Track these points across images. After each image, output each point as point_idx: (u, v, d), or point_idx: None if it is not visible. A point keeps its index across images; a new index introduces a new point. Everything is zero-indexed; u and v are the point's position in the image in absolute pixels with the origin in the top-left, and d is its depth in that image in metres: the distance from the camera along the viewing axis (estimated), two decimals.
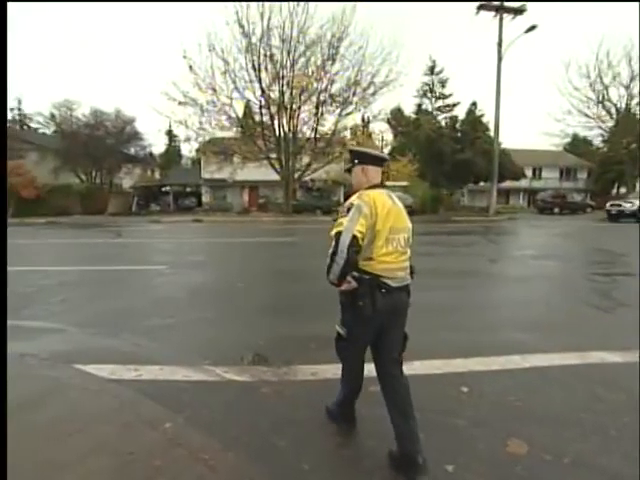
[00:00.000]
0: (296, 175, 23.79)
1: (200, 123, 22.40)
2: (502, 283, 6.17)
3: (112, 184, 34.87)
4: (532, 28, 19.79)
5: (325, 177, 27.13)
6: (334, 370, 3.22)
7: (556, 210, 25.69)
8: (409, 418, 2.20)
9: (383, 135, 26.85)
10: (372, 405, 2.63)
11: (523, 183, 33.75)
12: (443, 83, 45.79)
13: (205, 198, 33.08)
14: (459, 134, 25.43)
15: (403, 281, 2.24)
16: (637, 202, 18.99)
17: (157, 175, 51.00)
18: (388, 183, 21.49)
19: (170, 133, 54.58)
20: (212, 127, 22.68)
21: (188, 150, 45.65)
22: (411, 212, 16.29)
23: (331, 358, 3.25)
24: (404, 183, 31.76)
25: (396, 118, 41.61)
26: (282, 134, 22.95)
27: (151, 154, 46.88)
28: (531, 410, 2.75)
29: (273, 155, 23.40)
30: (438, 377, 3.17)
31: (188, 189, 39.35)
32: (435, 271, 7.05)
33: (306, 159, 24.14)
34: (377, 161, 2.28)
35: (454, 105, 45.27)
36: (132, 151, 35.09)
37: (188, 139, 23.32)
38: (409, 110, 47.02)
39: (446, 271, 7.10)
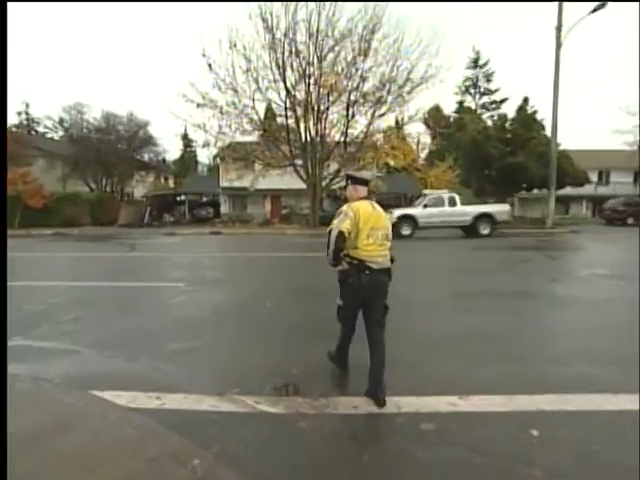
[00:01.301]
0: (323, 183, 24.02)
1: (219, 127, 23.01)
2: (568, 306, 5.92)
3: (123, 193, 36.17)
4: (601, 7, 18.87)
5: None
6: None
7: (630, 221, 24.04)
8: (381, 367, 3.43)
9: (420, 138, 26.81)
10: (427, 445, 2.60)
11: (587, 189, 32.15)
12: (489, 77, 45.12)
13: (224, 208, 33.79)
14: (508, 135, 24.99)
15: (382, 265, 3.55)
16: None
17: (171, 183, 52.47)
18: (427, 191, 21.19)
19: (186, 138, 56.19)
20: (232, 131, 23.27)
21: (205, 156, 46.95)
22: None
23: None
24: (443, 192, 31.44)
25: (435, 118, 41.46)
26: (308, 138, 23.30)
27: (165, 161, 48.44)
28: (622, 464, 2.58)
29: (298, 161, 23.72)
30: (501, 416, 3.06)
31: (205, 198, 40.24)
32: (486, 291, 6.88)
33: (335, 165, 24.36)
34: (364, 182, 3.68)
35: (502, 101, 44.54)
36: (145, 157, 36.38)
37: (206, 144, 23.92)
38: (450, 109, 46.73)
39: (499, 291, 6.91)
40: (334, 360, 3.92)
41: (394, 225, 18.66)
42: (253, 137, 24.83)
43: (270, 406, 3.27)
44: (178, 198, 38.31)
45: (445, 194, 19.07)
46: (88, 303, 6.51)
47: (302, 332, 4.94)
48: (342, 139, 23.60)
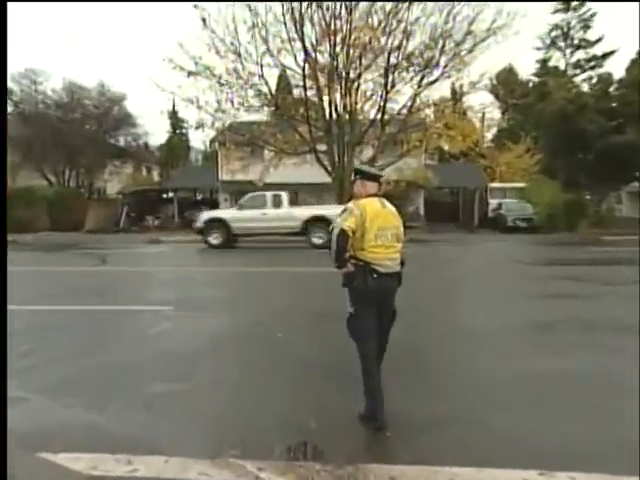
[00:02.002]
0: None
1: (217, 102, 23.16)
2: None
3: (92, 188, 36.97)
4: None
5: (396, 177, 27.17)
6: (422, 474, 3.13)
7: None
8: (377, 378, 3.97)
9: (485, 112, 26.27)
10: None
11: None
12: (586, 23, 42.59)
13: (223, 208, 34.13)
14: (614, 103, 23.99)
15: (391, 268, 4.06)
16: None
17: (155, 176, 53.20)
18: (495, 185, 20.89)
19: (175, 116, 56.83)
20: (234, 107, 23.40)
21: (200, 141, 47.43)
22: (532, 229, 15.90)
23: (417, 455, 3.33)
24: (519, 184, 31.07)
25: (506, 85, 40.81)
26: (334, 115, 23.35)
27: (147, 146, 49.24)
28: None
29: (321, 147, 23.82)
30: None
31: (199, 196, 40.71)
32: (578, 323, 6.78)
33: (369, 151, 24.35)
34: (374, 178, 4.27)
35: (605, 57, 41.75)
36: (121, 142, 37.17)
37: (200, 125, 24.16)
38: (527, 71, 45.68)
39: (597, 323, 6.78)
40: (369, 417, 3.92)
41: (201, 231, 19.28)
42: (261, 115, 25.07)
43: (278, 475, 3.23)
44: (165, 195, 38.92)
45: (269, 192, 19.51)
46: (43, 333, 6.63)
47: (323, 372, 4.94)
48: (379, 116, 23.59)
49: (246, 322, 7.18)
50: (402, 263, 4.23)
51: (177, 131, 59.02)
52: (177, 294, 9.41)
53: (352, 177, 4.37)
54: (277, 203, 19.22)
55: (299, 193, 32.37)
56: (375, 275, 4.01)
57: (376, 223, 4.03)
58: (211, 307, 8.19)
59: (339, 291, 4.18)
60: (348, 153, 23.42)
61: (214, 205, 34.93)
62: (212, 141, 34.07)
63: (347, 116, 23.30)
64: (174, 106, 54.24)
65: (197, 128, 24.53)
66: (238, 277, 12.02)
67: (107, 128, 34.61)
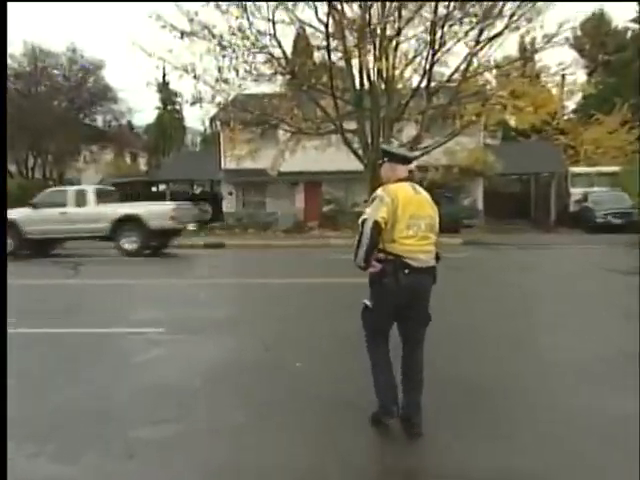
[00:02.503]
0: None
1: (218, 70, 23.40)
2: None
3: (63, 179, 37.30)
4: None
5: (447, 162, 26.96)
6: None
7: None
8: (419, 392, 4.52)
9: (565, 74, 25.50)
10: None
11: None
12: None
13: (228, 205, 34.80)
14: None
15: (425, 263, 4.44)
16: None
17: (142, 164, 53.56)
18: (579, 169, 20.37)
19: (165, 89, 57.40)
20: (240, 77, 23.65)
21: (198, 119, 47.12)
22: (631, 227, 15.46)
23: None
24: (611, 168, 30.11)
25: (595, 36, 39.58)
26: (366, 84, 23.41)
27: (132, 127, 49.56)
28: None
29: (350, 124, 23.86)
30: None
31: (197, 189, 40.95)
32: None
33: (411, 129, 24.32)
34: (404, 160, 4.70)
35: None
36: (99, 121, 37.75)
37: (197, 100, 24.39)
38: (623, 18, 44.28)
39: None
40: (382, 415, 4.58)
41: None
42: (274, 86, 25.20)
43: None
44: (154, 188, 39.20)
45: (72, 188, 19.75)
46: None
47: (352, 412, 4.94)
48: (424, 84, 23.42)
49: (269, 350, 7.14)
50: (437, 257, 4.61)
51: (169, 107, 59.24)
52: (168, 313, 9.57)
53: (381, 159, 4.79)
54: (81, 200, 18.98)
55: (322, 184, 32.53)
56: (407, 270, 4.35)
57: (408, 211, 4.37)
58: (210, 330, 8.27)
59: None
60: (384, 132, 23.44)
61: (215, 200, 35.22)
62: (212, 120, 34.25)
63: (383, 85, 23.33)
64: (164, 76, 54.09)
65: (193, 104, 24.76)
66: (253, 292, 11.99)
67: (81, 104, 35.27)
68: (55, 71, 34.13)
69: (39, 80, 33.38)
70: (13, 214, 18.74)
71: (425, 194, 4.63)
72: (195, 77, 23.35)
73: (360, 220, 4.44)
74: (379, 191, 4.50)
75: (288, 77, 24.14)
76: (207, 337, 7.87)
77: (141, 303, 10.93)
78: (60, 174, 37.02)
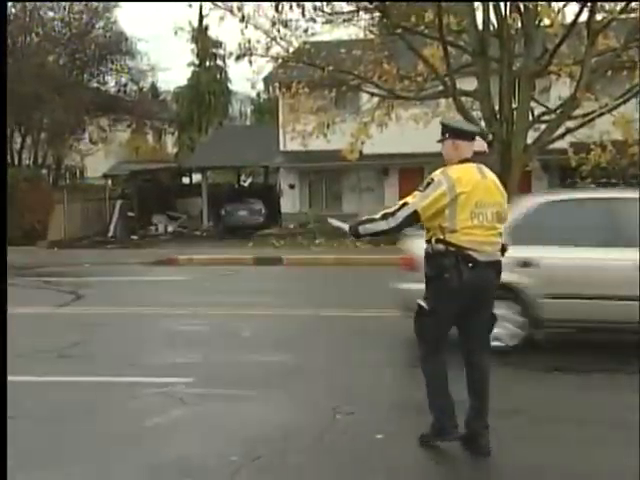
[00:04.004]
0: (532, 135, 23.71)
1: (276, 7, 23.61)
2: None
3: (61, 167, 38.16)
4: None
5: (619, 136, 26.08)
6: None
7: None
8: (481, 399, 5.42)
9: None
10: None
11: None
12: None
13: (288, 202, 35.13)
14: None
15: (492, 256, 5.25)
16: None
17: (171, 145, 53.94)
18: None
19: (203, 37, 56.99)
20: (306, 16, 23.82)
21: (246, 80, 46.88)
22: None
23: None
24: None
25: None
26: (493, 22, 23.19)
27: (157, 92, 49.71)
28: None
29: (467, 83, 23.79)
30: None
31: (246, 180, 41.22)
32: None
33: (563, 88, 24.05)
34: (468, 136, 5.44)
35: None
36: (110, 84, 38.26)
37: (247, 52, 24.52)
38: None
39: None
40: (436, 436, 5.61)
41: None
42: (356, 29, 25.14)
43: None
44: (186, 179, 39.73)
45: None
46: None
47: None
48: (584, 16, 22.54)
49: (345, 416, 7.07)
50: (503, 249, 5.45)
51: (207, 64, 59.57)
52: (199, 357, 9.56)
53: (441, 135, 5.52)
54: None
55: (424, 170, 31.91)
56: (471, 265, 5.11)
57: (473, 198, 5.13)
58: (257, 384, 8.17)
59: None
60: (520, 93, 23.16)
61: (270, 197, 35.28)
62: (267, 81, 34.27)
63: (519, 21, 22.87)
64: (201, 18, 54.49)
65: (240, 58, 24.85)
66: (323, 329, 12.00)
67: (86, 60, 35.61)
68: (50, 13, 34.31)
69: (28, 26, 33.36)
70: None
71: (493, 177, 5.45)
72: (243, 19, 23.50)
73: (401, 202, 5.33)
74: (437, 173, 5.26)
75: (376, 16, 23.96)
76: (252, 393, 7.78)
77: (159, 341, 11.03)
78: (57, 159, 37.49)
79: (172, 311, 13.45)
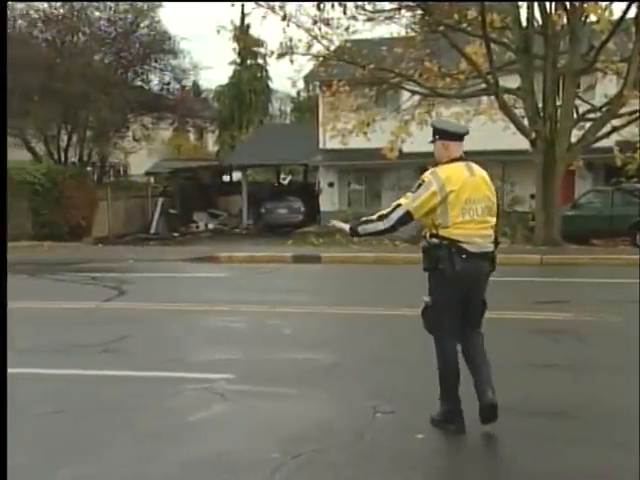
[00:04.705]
0: (576, 134, 23.43)
1: (318, 6, 23.58)
2: None
3: (105, 165, 38.30)
4: None
5: None
6: None
7: None
8: (482, 370, 5.97)
9: None
10: None
11: None
12: None
13: (327, 201, 35.20)
14: None
15: (483, 247, 5.80)
16: None
17: (211, 143, 53.80)
18: None
19: (245, 36, 56.42)
20: (348, 14, 23.73)
21: (286, 78, 46.66)
22: None
23: None
24: None
25: None
26: (537, 19, 22.97)
27: (198, 90, 49.72)
28: None
29: (510, 81, 23.61)
30: None
31: (285, 178, 41.17)
32: None
33: (609, 85, 23.68)
34: (457, 137, 5.98)
35: None
36: (154, 83, 38.30)
37: (288, 50, 24.46)
38: None
39: None
40: (442, 422, 6.18)
41: None
42: (398, 27, 25.04)
43: None
44: (226, 177, 39.74)
45: None
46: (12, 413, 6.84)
47: None
48: (632, 11, 22.11)
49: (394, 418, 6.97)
50: (496, 242, 6.03)
51: (248, 62, 59.71)
52: (240, 352, 9.63)
53: (432, 137, 6.11)
54: None
55: None
56: (464, 255, 5.65)
57: (463, 195, 5.67)
58: (302, 380, 8.16)
59: None
60: (566, 90, 23.04)
61: (309, 195, 35.21)
62: (308, 79, 34.24)
63: (564, 18, 22.71)
64: (243, 17, 54.51)
65: (282, 56, 24.85)
66: (367, 328, 11.91)
67: (131, 59, 35.72)
68: (97, 13, 34.31)
69: (76, 26, 33.42)
70: None
71: (482, 174, 5.99)
72: (284, 17, 23.48)
73: (395, 203, 6.01)
74: (427, 174, 5.88)
75: (418, 14, 23.82)
76: (292, 390, 7.78)
77: (199, 337, 11.09)
78: (102, 158, 37.72)
79: (212, 308, 13.48)
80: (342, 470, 5.54)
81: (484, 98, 24.12)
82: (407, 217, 5.84)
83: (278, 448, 5.91)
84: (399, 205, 5.87)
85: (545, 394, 7.42)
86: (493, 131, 25.05)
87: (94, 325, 11.85)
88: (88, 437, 6.40)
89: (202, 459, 5.69)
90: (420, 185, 5.77)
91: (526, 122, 23.06)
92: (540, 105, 22.83)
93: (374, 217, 6.13)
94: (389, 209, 5.96)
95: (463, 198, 5.61)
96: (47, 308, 13.50)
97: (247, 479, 5.36)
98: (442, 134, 5.95)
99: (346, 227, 6.61)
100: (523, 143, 23.76)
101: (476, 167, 5.92)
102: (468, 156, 21.78)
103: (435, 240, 5.69)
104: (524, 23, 22.64)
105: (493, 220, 5.87)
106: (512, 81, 23.43)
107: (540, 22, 22.63)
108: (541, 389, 7.67)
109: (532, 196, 27.03)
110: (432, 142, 6.05)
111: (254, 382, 7.99)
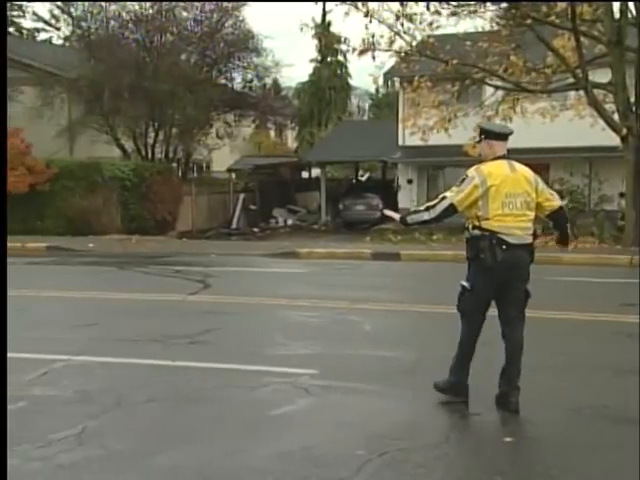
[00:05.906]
0: None
1: (402, 2, 23.40)
2: None
3: (189, 162, 38.78)
4: None
5: None
6: None
7: None
8: (513, 365, 6.72)
9: None
10: None
11: None
12: None
13: (406, 197, 34.80)
14: None
15: (522, 239, 6.45)
16: None
17: (291, 140, 54.12)
18: None
19: (326, 33, 56.30)
20: (431, 10, 23.51)
21: (369, 77, 46.11)
22: None
23: None
24: None
25: None
26: (632, 8, 22.38)
27: (279, 88, 49.92)
28: None
29: (600, 77, 23.12)
30: None
31: (364, 175, 41.06)
32: None
33: None
34: (501, 137, 6.73)
35: None
36: (237, 81, 38.64)
37: (369, 46, 24.34)
38: None
39: None
40: (446, 389, 6.83)
41: None
42: (482, 21, 24.76)
43: None
44: (305, 173, 39.83)
45: None
46: (102, 397, 7.12)
47: None
48: None
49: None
50: (535, 235, 6.55)
51: (329, 59, 59.64)
52: (322, 348, 9.64)
53: (478, 137, 6.80)
54: None
55: (550, 167, 31.14)
56: (504, 246, 6.19)
57: (503, 189, 6.22)
58: (385, 377, 8.13)
59: None
60: None
61: (388, 192, 35.07)
62: (388, 76, 34.09)
63: None
64: (324, 14, 54.47)
65: (364, 52, 24.74)
66: (448, 328, 11.75)
67: (215, 58, 36.06)
68: (184, 13, 34.71)
69: (164, 26, 33.84)
70: None
71: (523, 171, 6.51)
72: (367, 14, 23.38)
73: (441, 195, 6.54)
74: (471, 170, 6.39)
75: (504, 6, 23.47)
76: (375, 387, 7.77)
77: (281, 331, 11.07)
78: (186, 155, 37.96)
79: (293, 302, 13.52)
80: (427, 470, 5.47)
81: (571, 93, 23.67)
82: (451, 209, 6.36)
83: (363, 444, 5.89)
84: (444, 197, 6.40)
85: (635, 401, 7.11)
86: (580, 127, 24.60)
87: (181, 317, 12.19)
88: (178, 427, 6.57)
89: (289, 453, 5.69)
90: (464, 179, 6.31)
91: (617, 118, 22.54)
92: (632, 100, 22.29)
93: (422, 208, 6.78)
94: (436, 201, 6.49)
95: (503, 192, 6.15)
96: (137, 300, 13.80)
97: (333, 474, 5.30)
98: (487, 134, 6.57)
99: (397, 216, 7.18)
100: (612, 139, 23.21)
101: (518, 165, 6.46)
102: (553, 152, 21.85)
103: (477, 232, 6.28)
104: (617, 14, 22.12)
105: (532, 214, 6.39)
106: (602, 75, 22.91)
107: (634, 13, 22.11)
108: (632, 395, 7.35)
109: (621, 194, 26.51)
110: (478, 142, 6.74)
111: (337, 378, 7.97)
